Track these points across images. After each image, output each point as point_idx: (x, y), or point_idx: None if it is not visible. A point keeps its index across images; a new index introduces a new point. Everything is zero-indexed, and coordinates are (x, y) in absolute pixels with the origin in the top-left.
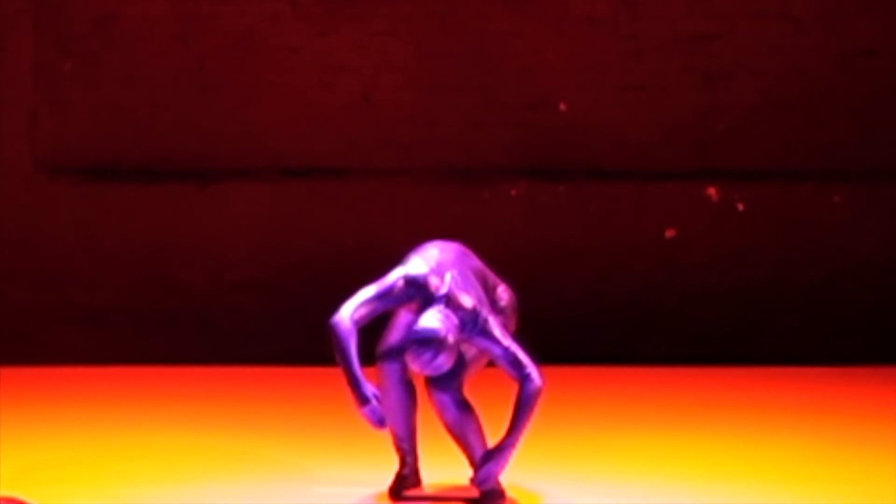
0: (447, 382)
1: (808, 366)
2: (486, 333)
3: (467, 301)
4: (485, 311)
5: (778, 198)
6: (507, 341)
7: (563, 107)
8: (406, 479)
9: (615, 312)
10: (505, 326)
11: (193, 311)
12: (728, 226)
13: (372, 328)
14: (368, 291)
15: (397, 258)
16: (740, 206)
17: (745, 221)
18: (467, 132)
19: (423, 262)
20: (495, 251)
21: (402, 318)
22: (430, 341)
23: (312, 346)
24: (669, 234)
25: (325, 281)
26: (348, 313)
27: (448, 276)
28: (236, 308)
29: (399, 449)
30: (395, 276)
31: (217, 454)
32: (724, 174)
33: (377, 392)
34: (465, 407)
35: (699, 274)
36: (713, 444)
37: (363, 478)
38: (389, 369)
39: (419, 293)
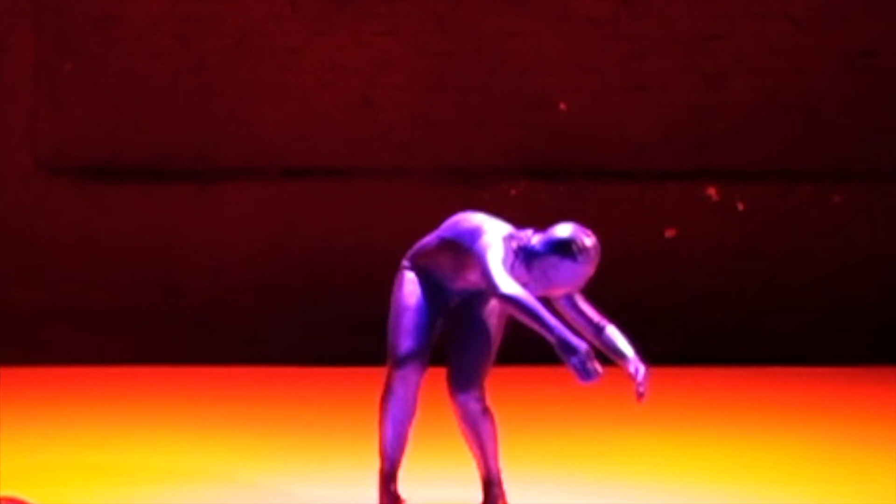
0: (471, 382)
1: (808, 366)
2: None
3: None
4: None
5: (778, 198)
6: None
7: (563, 107)
8: (389, 483)
9: (615, 312)
10: None
11: (193, 311)
12: (728, 226)
13: (367, 327)
14: (498, 261)
15: (397, 258)
16: (740, 206)
17: (745, 221)
18: (467, 132)
19: (496, 222)
20: None
21: (413, 317)
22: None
23: (312, 346)
24: (669, 234)
25: (325, 281)
26: (510, 281)
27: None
28: (236, 308)
29: (384, 455)
30: (498, 241)
31: (217, 454)
32: (724, 174)
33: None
34: (485, 411)
35: (699, 274)
36: (713, 444)
37: (365, 479)
38: (410, 374)
39: (520, 251)
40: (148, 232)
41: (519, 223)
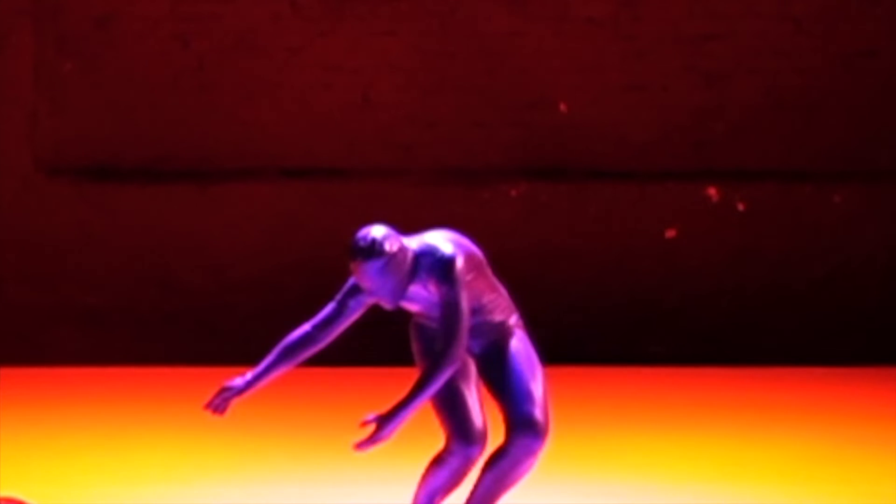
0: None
1: (808, 366)
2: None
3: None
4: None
5: (778, 198)
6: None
7: (563, 107)
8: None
9: (615, 312)
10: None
11: (193, 311)
12: (728, 226)
13: (367, 327)
14: None
15: None
16: (740, 206)
17: (745, 221)
18: (467, 132)
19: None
20: (495, 251)
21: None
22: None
23: None
24: (669, 234)
25: (325, 281)
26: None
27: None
28: (236, 308)
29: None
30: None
31: (217, 454)
32: (724, 174)
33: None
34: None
35: (699, 274)
36: (713, 444)
37: (365, 479)
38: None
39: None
40: (148, 232)
41: (519, 223)
